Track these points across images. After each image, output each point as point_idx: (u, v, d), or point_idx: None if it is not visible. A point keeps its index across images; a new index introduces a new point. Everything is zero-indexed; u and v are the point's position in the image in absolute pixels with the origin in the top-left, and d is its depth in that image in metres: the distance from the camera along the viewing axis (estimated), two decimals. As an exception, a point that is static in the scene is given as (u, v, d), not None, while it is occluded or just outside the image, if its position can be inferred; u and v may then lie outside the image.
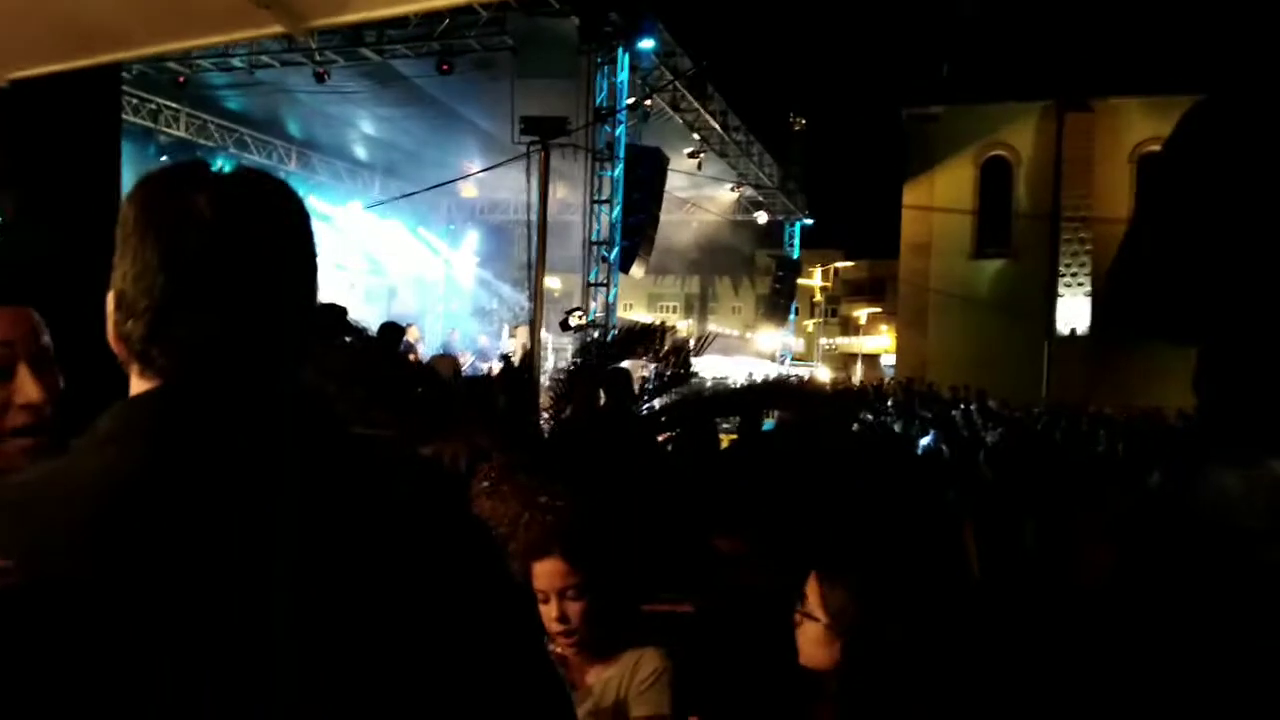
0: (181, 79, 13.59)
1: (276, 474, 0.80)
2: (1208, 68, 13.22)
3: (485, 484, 3.19)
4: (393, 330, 7.84)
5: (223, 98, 15.50)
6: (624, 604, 2.28)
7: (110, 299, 0.85)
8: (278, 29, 2.09)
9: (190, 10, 1.95)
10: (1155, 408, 14.01)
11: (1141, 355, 19.30)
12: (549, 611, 2.14)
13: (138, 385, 0.85)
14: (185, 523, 0.75)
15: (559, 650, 2.15)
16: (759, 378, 19.31)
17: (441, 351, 17.37)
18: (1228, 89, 1.50)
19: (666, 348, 3.03)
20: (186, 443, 0.80)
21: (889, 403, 20.67)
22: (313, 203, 18.56)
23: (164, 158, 15.68)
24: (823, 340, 37.08)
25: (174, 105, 15.32)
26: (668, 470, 3.30)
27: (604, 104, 11.77)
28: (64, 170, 3.51)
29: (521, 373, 4.35)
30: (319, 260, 0.95)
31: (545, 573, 2.16)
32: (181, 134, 15.96)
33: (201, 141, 16.48)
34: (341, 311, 6.28)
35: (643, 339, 3.01)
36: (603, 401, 3.35)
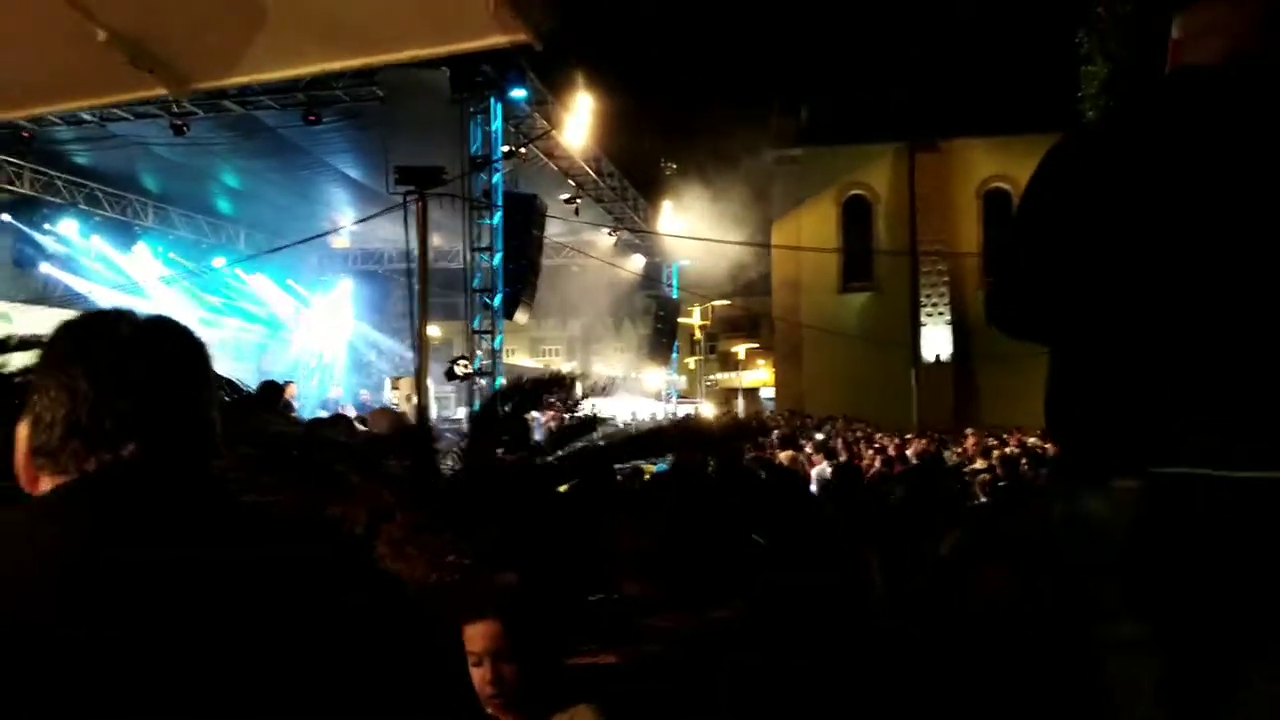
0: (26, 134, 12.81)
1: (182, 544, 1.00)
2: (1043, 110, 14.38)
3: (388, 546, 3.11)
4: (272, 389, 7.55)
5: (70, 152, 14.67)
6: (554, 662, 2.27)
7: (25, 424, 1.03)
8: (161, 91, 2.04)
9: (73, 73, 1.89)
10: (1016, 427, 14.92)
11: (997, 378, 20.53)
12: (482, 674, 2.10)
13: (50, 484, 1.02)
14: (121, 581, 0.94)
15: (491, 713, 2.12)
16: (648, 417, 19.34)
17: (320, 410, 16.79)
18: (1076, 133, 1.68)
19: (571, 395, 3.04)
20: (122, 517, 0.99)
21: (773, 435, 21.23)
22: (173, 258, 17.74)
23: (5, 215, 14.71)
24: (705, 377, 37.73)
25: (15, 161, 14.40)
26: (574, 520, 3.30)
27: (479, 152, 11.79)
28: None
29: (420, 427, 4.27)
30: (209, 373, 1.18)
31: (479, 635, 2.13)
32: (25, 190, 15.00)
33: (47, 198, 15.54)
34: (278, 387, 6.04)
35: (551, 387, 3.01)
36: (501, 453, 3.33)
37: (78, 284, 16.29)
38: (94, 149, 14.33)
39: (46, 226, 15.61)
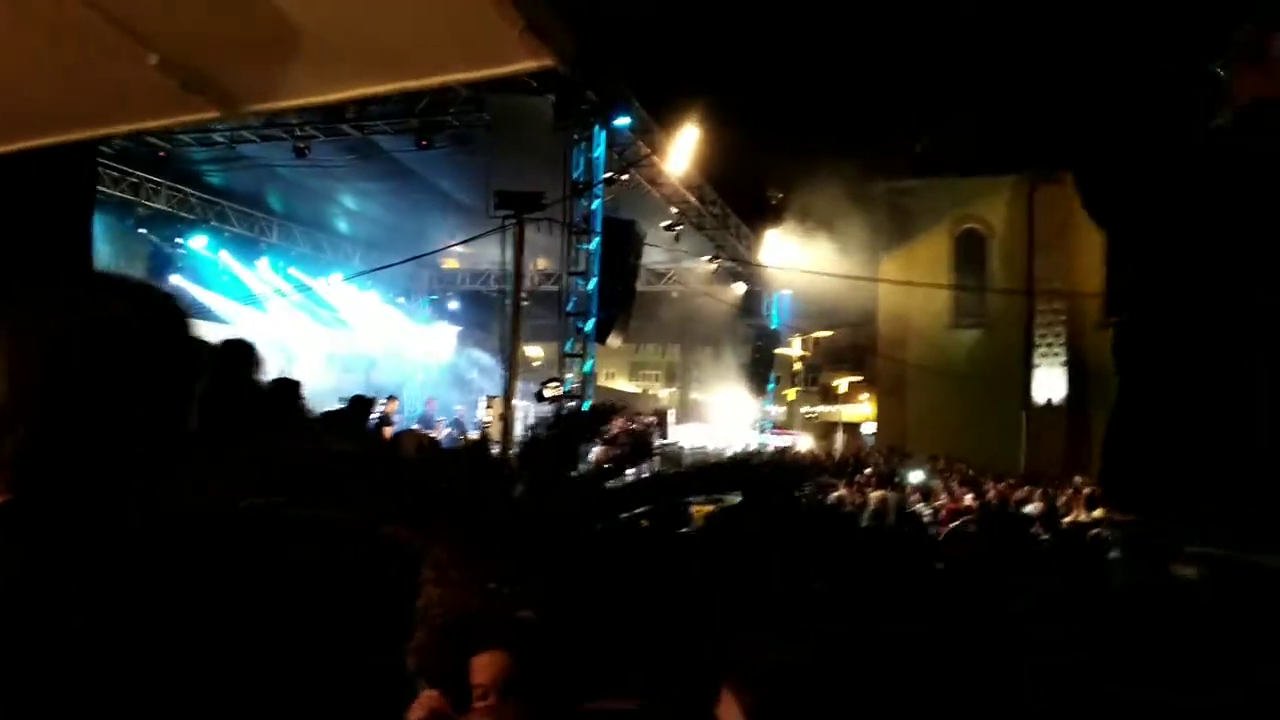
0: (162, 154, 13.73)
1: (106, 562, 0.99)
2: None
3: (433, 569, 3.10)
4: (361, 404, 7.79)
5: (204, 172, 15.65)
6: (566, 703, 2.20)
7: None
8: (213, 114, 2.11)
9: (125, 95, 1.96)
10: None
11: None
12: (483, 708, 2.05)
13: None
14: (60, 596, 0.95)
15: None
16: (739, 447, 19.11)
17: (415, 424, 17.26)
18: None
19: (623, 426, 2.98)
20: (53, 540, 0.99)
21: (867, 470, 20.66)
22: (292, 274, 18.63)
23: (142, 229, 15.75)
24: (804, 409, 37.11)
25: (155, 179, 15.43)
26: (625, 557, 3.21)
27: (581, 178, 11.95)
28: (35, 246, 3.51)
29: (482, 447, 4.28)
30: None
31: (483, 665, 2.08)
32: (162, 206, 16.05)
33: (183, 214, 16.58)
34: (294, 386, 6.22)
35: (599, 417, 2.96)
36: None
37: (205, 295, 17.30)
38: (225, 169, 15.23)
39: (179, 240, 16.65)
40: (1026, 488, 14.20)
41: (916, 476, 17.32)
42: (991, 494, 14.47)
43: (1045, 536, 6.36)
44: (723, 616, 3.00)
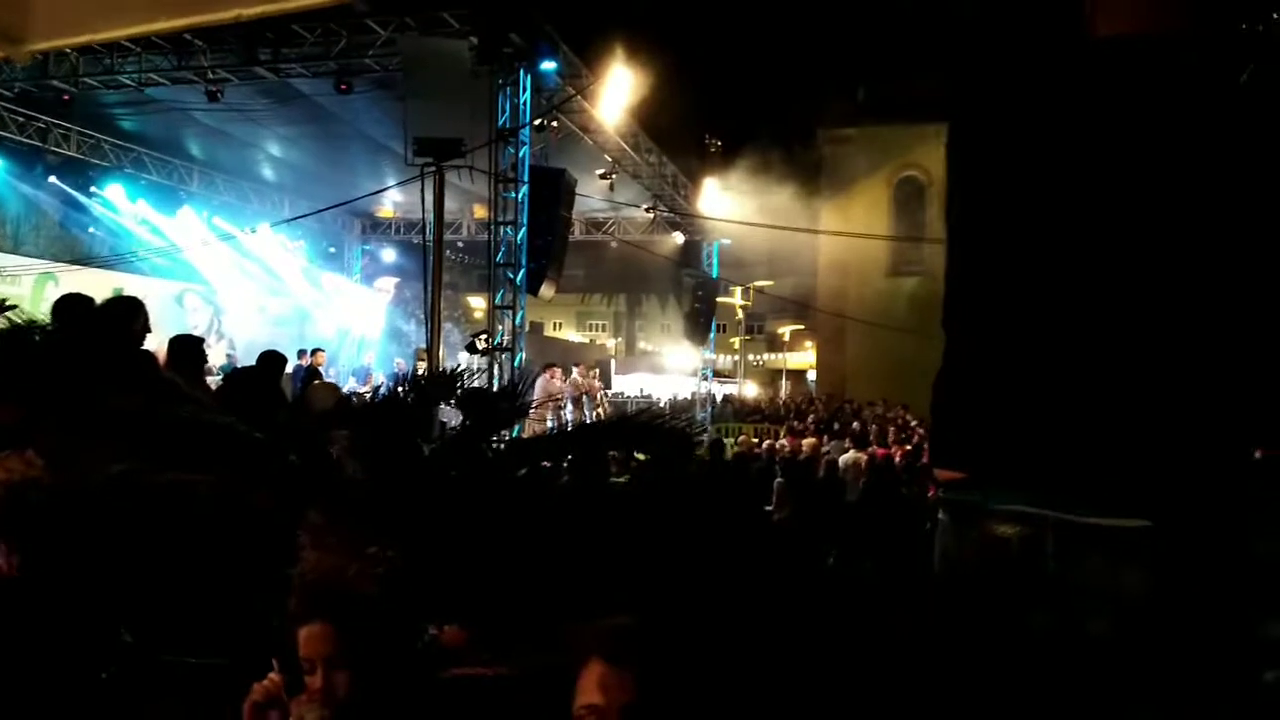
0: (66, 97, 13.06)
1: None
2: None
3: (309, 533, 3.01)
4: (272, 360, 7.54)
5: (115, 116, 14.94)
6: (405, 672, 2.13)
7: None
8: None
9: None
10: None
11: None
12: (313, 683, 1.98)
13: None
14: None
15: None
16: (683, 395, 19.24)
17: (351, 378, 16.97)
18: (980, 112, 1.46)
19: (468, 393, 2.91)
20: None
21: (809, 419, 20.93)
22: (217, 223, 18.04)
23: (52, 177, 15.06)
24: (749, 356, 37.44)
25: (63, 124, 14.71)
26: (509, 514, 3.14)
27: (506, 124, 11.66)
28: None
29: (395, 403, 4.15)
30: None
31: (306, 639, 2.01)
32: (72, 153, 15.34)
33: (95, 161, 15.88)
34: (195, 343, 6.01)
35: (445, 383, 2.88)
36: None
37: (123, 246, 16.69)
38: (137, 113, 14.57)
39: (94, 189, 15.96)
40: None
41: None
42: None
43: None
44: (594, 581, 2.96)
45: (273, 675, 1.94)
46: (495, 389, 7.60)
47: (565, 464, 3.55)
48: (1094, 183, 1.17)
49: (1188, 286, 1.10)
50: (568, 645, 1.35)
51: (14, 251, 14.89)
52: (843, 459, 12.88)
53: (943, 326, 1.49)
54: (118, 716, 2.51)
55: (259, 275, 19.27)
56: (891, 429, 18.24)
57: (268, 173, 18.67)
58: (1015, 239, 1.24)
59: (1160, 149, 1.14)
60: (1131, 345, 1.11)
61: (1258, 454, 1.18)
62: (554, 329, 42.66)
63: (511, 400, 3.04)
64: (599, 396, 18.53)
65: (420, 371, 14.02)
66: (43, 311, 3.92)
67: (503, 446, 3.38)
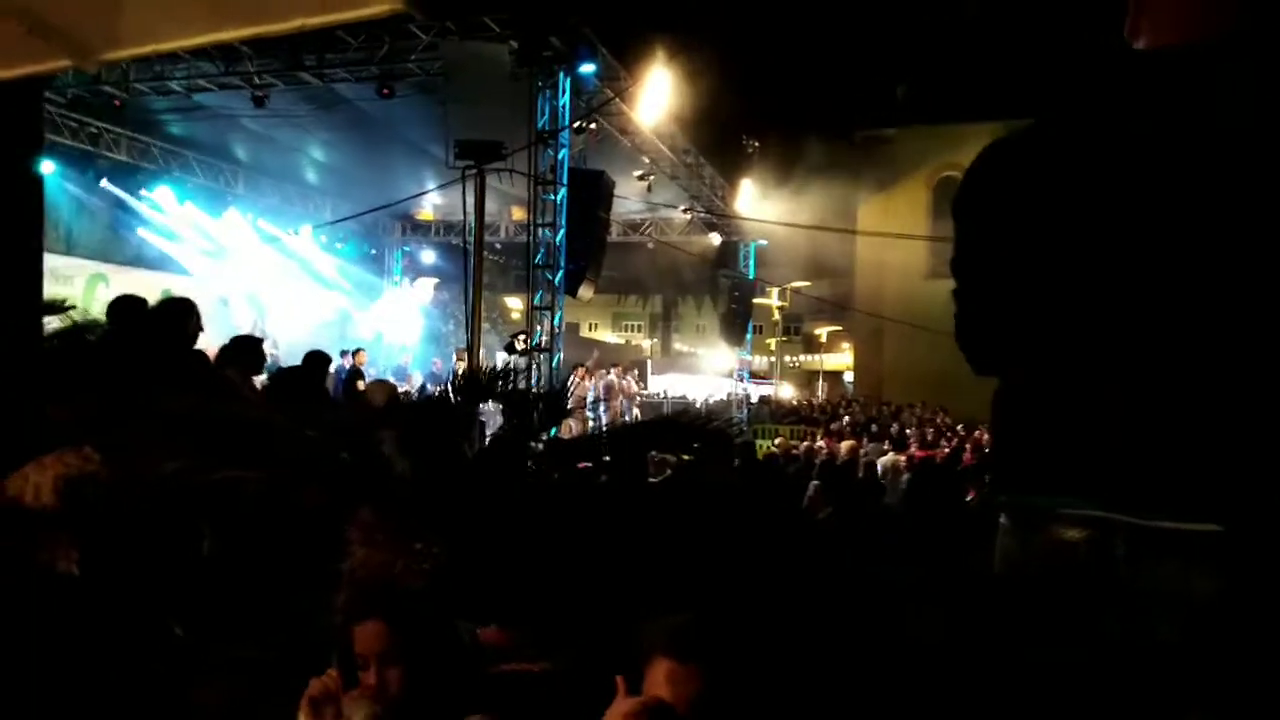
0: (118, 102, 13.39)
1: None
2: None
3: (359, 530, 3.06)
4: (317, 360, 7.67)
5: (164, 122, 15.29)
6: (453, 669, 2.16)
7: None
8: (64, 62, 2.01)
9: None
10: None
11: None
12: (367, 679, 2.03)
13: None
14: None
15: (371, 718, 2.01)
16: (719, 397, 19.12)
17: (389, 377, 17.18)
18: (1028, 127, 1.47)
19: (516, 394, 2.94)
20: None
21: (845, 421, 20.76)
22: (261, 225, 18.35)
23: (104, 181, 15.43)
24: (785, 358, 37.25)
25: (114, 129, 15.08)
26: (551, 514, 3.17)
27: (545, 127, 11.73)
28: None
29: (439, 403, 4.22)
30: None
31: (362, 636, 2.06)
32: (123, 157, 15.71)
33: (145, 165, 16.25)
34: (255, 344, 6.14)
35: (490, 383, 2.92)
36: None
37: (171, 248, 17.05)
38: (185, 119, 14.89)
39: (143, 193, 16.34)
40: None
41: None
42: (969, 444, 14.61)
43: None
44: (644, 580, 2.98)
45: (331, 671, 1.99)
46: (534, 389, 7.66)
47: (605, 465, 3.58)
48: (1147, 191, 1.17)
49: (1254, 288, 1.09)
50: (634, 642, 1.38)
51: (67, 253, 15.28)
52: (881, 461, 12.80)
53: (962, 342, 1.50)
54: (168, 709, 2.58)
55: (301, 276, 19.59)
56: (930, 430, 18.06)
57: (311, 176, 18.98)
58: (1076, 245, 1.24)
59: (1216, 157, 1.13)
60: (1197, 347, 1.11)
61: None
62: (589, 329, 42.82)
63: (560, 402, 3.07)
64: (636, 398, 18.58)
65: (460, 371, 14.16)
66: (95, 312, 4.03)
67: (543, 447, 3.42)
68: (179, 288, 14.62)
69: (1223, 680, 1.07)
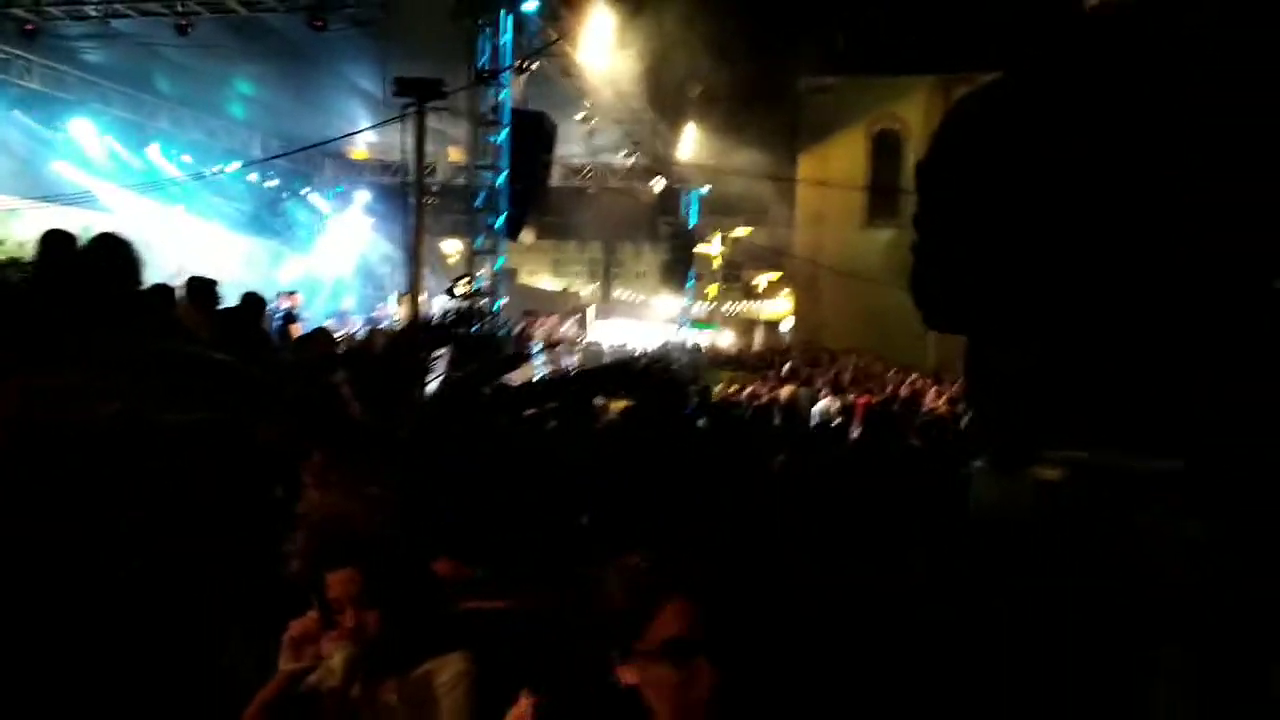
0: (30, 26, 12.61)
1: None
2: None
3: (311, 474, 3.04)
4: (255, 302, 7.46)
5: (80, 49, 14.45)
6: (425, 609, 2.21)
7: None
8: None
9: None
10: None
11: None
12: (344, 621, 2.07)
13: None
14: None
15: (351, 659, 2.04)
16: (656, 344, 19.18)
17: (330, 321, 16.83)
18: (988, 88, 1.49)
19: (475, 339, 2.94)
20: None
21: (784, 368, 21.08)
22: (185, 161, 17.63)
23: (16, 110, 14.61)
24: (727, 305, 37.45)
25: (25, 55, 14.22)
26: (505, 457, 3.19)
27: (486, 66, 11.45)
28: None
29: (394, 346, 4.16)
30: None
31: (337, 582, 2.09)
32: (36, 86, 14.85)
33: (60, 94, 15.39)
34: (210, 284, 5.97)
35: (452, 329, 2.91)
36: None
37: (91, 183, 16.27)
38: (102, 47, 14.11)
39: (58, 125, 15.51)
40: (924, 381, 14.76)
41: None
42: (904, 390, 14.95)
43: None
44: (594, 518, 3.02)
45: (310, 613, 2.02)
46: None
47: (552, 411, 3.61)
48: (1117, 153, 1.21)
49: (1208, 237, 1.14)
50: (645, 582, 1.39)
51: (-25, 188, 14.52)
52: (817, 407, 13.04)
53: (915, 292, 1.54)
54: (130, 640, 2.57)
55: (229, 214, 18.92)
56: (871, 382, 18.43)
57: (238, 111, 18.23)
58: (1046, 206, 1.27)
59: (1178, 109, 1.17)
60: (1170, 307, 1.16)
61: None
62: (529, 275, 42.30)
63: (520, 348, 3.07)
64: (575, 345, 18.54)
65: (402, 316, 13.94)
66: (9, 250, 3.84)
67: (489, 393, 3.42)
68: (100, 225, 13.99)
69: (1196, 612, 1.14)
